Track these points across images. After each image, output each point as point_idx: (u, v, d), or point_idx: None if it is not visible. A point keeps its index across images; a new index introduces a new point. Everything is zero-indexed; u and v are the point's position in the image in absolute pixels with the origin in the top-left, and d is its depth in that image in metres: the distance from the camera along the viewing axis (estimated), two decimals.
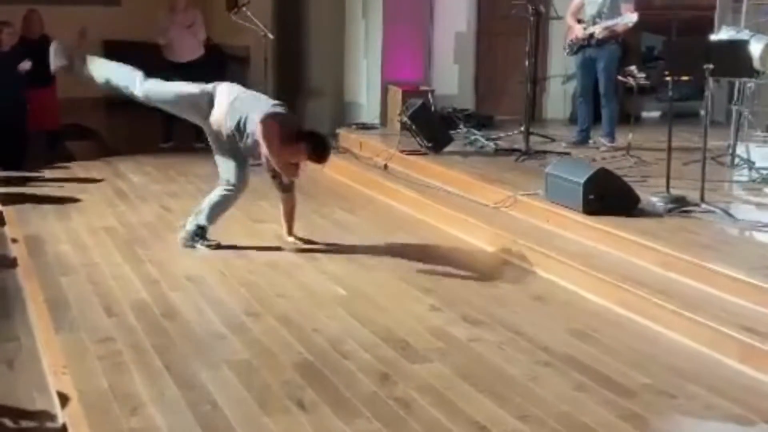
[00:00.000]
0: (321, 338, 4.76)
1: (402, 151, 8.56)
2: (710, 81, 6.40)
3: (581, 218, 6.17)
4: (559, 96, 10.40)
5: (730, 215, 6.05)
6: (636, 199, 6.30)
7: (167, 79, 6.50)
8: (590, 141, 8.78)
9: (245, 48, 11.50)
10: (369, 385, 4.17)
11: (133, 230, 6.94)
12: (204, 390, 4.09)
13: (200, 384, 4.15)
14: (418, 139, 8.58)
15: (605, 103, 8.67)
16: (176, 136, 10.19)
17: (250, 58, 11.47)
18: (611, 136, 8.65)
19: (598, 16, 8.42)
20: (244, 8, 9.19)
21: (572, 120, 9.72)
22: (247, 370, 4.33)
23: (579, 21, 8.60)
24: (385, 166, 8.47)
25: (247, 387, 4.12)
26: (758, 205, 6.52)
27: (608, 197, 6.21)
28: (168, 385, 4.15)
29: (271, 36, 9.30)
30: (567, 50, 8.78)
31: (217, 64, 11.05)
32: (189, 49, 10.02)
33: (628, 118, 8.61)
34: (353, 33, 10.44)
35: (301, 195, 8.08)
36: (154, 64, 9.73)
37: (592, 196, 6.18)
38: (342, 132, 9.89)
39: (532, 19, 8.29)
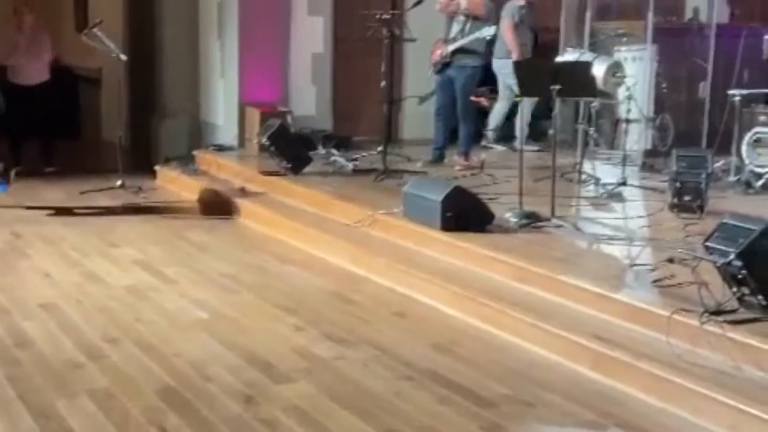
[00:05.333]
0: (183, 362, 4.69)
1: (261, 172, 8.54)
2: (558, 101, 6.66)
3: (439, 235, 6.30)
4: (415, 116, 10.59)
5: (578, 229, 6.31)
6: (491, 216, 6.49)
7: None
8: (446, 160, 8.98)
9: (97, 69, 11.23)
10: (233, 408, 4.14)
11: None
12: (61, 420, 3.96)
13: (57, 414, 4.02)
14: (276, 160, 8.58)
15: (461, 123, 8.90)
16: (24, 161, 9.84)
17: (102, 79, 11.21)
18: (466, 155, 8.88)
19: (461, 33, 8.65)
20: (95, 29, 8.96)
21: None
22: (107, 398, 4.22)
23: (445, 41, 8.82)
24: (243, 188, 8.43)
25: (107, 415, 4.02)
26: (604, 218, 6.82)
27: (464, 214, 6.37)
28: (22, 416, 3.99)
29: (123, 57, 9.11)
30: (432, 69, 8.97)
31: (67, 86, 10.76)
32: (36, 71, 9.71)
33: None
34: (209, 54, 10.36)
35: (159, 218, 7.99)
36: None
37: (449, 214, 6.32)
38: (199, 154, 9.78)
39: (387, 40, 8.45)
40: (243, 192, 8.37)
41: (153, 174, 9.72)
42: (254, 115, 9.61)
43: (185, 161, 9.69)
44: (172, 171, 9.48)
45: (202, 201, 8.30)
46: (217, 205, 8.11)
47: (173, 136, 10.20)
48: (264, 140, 8.59)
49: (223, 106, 10.19)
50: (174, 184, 9.29)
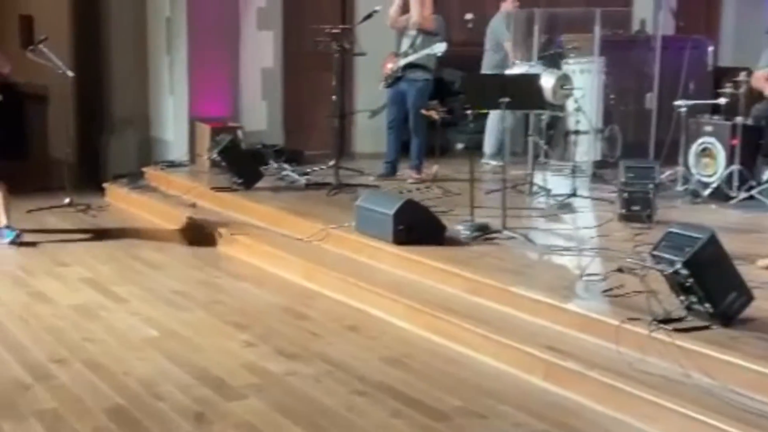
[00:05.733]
0: (133, 381, 4.63)
1: (212, 188, 8.48)
2: (507, 114, 6.71)
3: (391, 248, 6.30)
4: (367, 130, 10.61)
5: (529, 240, 6.35)
6: (443, 228, 6.51)
7: None
8: (398, 173, 9.00)
9: (43, 87, 11.07)
10: (184, 426, 4.10)
11: None
12: None
13: None
14: (228, 175, 8.53)
15: (413, 136, 8.93)
16: None
17: (48, 96, 11.05)
18: (418, 168, 8.91)
19: (411, 48, 8.69)
20: (40, 45, 8.85)
21: None
22: (55, 419, 4.15)
23: (396, 54, 8.84)
24: (194, 204, 8.36)
25: None
26: (555, 229, 6.88)
27: (416, 227, 6.38)
28: None
29: (70, 73, 8.99)
30: (383, 83, 8.99)
31: (13, 104, 10.57)
32: None
33: (435, 150, 8.88)
34: (158, 70, 10.28)
35: (110, 237, 7.88)
36: None
37: (401, 227, 6.32)
38: (149, 170, 9.68)
39: (337, 54, 8.45)
40: (194, 207, 8.30)
41: (102, 191, 9.60)
42: (204, 131, 9.54)
43: (134, 178, 9.59)
44: (121, 188, 9.38)
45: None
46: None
47: (122, 152, 10.09)
48: (215, 156, 8.54)
49: (172, 122, 10.11)
50: (123, 201, 9.18)
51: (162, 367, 4.84)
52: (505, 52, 9.51)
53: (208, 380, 4.66)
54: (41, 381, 4.61)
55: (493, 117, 9.46)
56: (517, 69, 8.53)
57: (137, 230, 8.12)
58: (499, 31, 9.65)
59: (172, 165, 9.73)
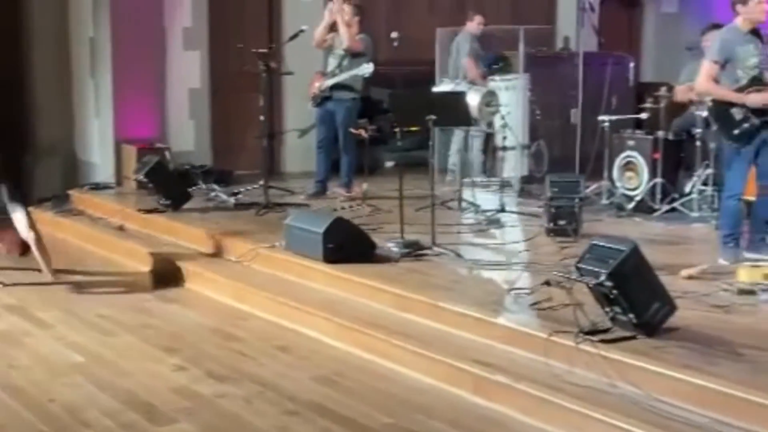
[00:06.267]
0: (58, 408, 4.53)
1: (139, 210, 8.37)
2: (436, 131, 6.78)
3: (322, 267, 6.30)
4: (297, 149, 10.60)
5: (459, 255, 6.40)
6: (373, 246, 6.53)
7: None
8: (328, 191, 9.01)
9: None
10: None
11: None
12: None
13: None
14: (155, 197, 8.43)
15: (343, 155, 8.95)
16: None
17: None
18: (348, 186, 8.93)
19: (338, 68, 8.71)
20: None
21: None
22: None
23: (323, 74, 8.85)
24: (121, 227, 8.24)
25: None
26: (484, 245, 6.95)
27: (346, 245, 6.38)
28: None
29: None
30: (311, 102, 9.00)
31: None
32: None
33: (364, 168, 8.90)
34: (82, 92, 10.14)
35: (37, 262, 7.70)
36: None
37: (331, 245, 6.32)
38: (75, 193, 9.53)
39: (264, 74, 8.44)
40: (122, 230, 8.19)
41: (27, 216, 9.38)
42: (131, 153, 9.44)
43: (60, 201, 9.42)
44: (46, 212, 9.19)
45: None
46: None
47: (47, 175, 9.91)
48: (141, 177, 8.44)
49: (98, 143, 9.97)
50: (49, 225, 8.99)
51: (88, 393, 4.75)
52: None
53: (136, 405, 4.59)
54: None
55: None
56: (443, 86, 8.62)
57: (63, 254, 7.95)
58: (463, 50, 9.67)
59: (99, 187, 9.59)
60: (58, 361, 5.28)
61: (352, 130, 8.78)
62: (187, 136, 10.15)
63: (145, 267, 7.17)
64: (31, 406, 4.56)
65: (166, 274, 7.07)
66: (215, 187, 9.04)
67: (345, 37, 8.60)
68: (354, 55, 8.66)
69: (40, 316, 6.14)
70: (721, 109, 6.18)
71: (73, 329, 5.88)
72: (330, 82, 8.70)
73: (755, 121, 6.01)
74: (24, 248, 6.74)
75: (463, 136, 9.03)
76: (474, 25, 9.72)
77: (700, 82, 6.30)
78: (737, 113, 6.05)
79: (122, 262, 7.55)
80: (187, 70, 10.12)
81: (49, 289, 6.88)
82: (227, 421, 4.42)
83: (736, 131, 6.08)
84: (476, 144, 9.29)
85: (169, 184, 8.47)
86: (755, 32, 6.13)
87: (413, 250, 6.49)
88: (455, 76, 9.51)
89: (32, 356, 5.35)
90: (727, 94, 6.10)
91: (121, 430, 4.27)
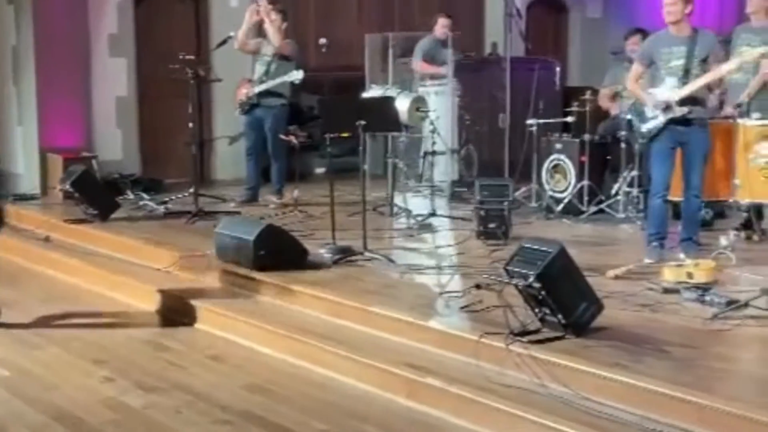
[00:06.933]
0: None
1: (66, 221, 8.21)
2: (365, 136, 6.78)
3: (253, 274, 6.25)
4: (227, 156, 10.51)
5: (391, 261, 6.41)
6: (304, 252, 6.50)
7: None
8: (259, 199, 8.95)
9: None
10: None
11: None
12: None
13: None
14: (82, 207, 8.28)
15: (273, 162, 8.91)
16: None
17: None
18: (280, 193, 8.88)
19: (266, 74, 8.67)
20: None
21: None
22: None
23: (250, 81, 8.79)
24: (47, 238, 8.08)
25: None
26: (415, 249, 6.98)
27: (278, 252, 6.35)
28: None
29: None
30: (238, 109, 8.94)
31: None
32: None
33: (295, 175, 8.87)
34: (5, 101, 9.90)
35: None
36: None
37: (262, 252, 6.28)
38: None
39: (192, 81, 8.36)
40: (47, 241, 8.02)
41: None
42: (56, 162, 9.26)
43: None
44: None
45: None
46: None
47: None
48: (67, 187, 8.27)
49: (22, 153, 9.77)
50: None
51: (14, 409, 4.63)
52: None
53: (65, 419, 4.49)
54: None
55: None
56: (373, 92, 8.64)
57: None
58: (418, 53, 9.64)
59: (23, 198, 9.38)
60: None
61: (282, 137, 8.74)
62: (114, 144, 10.00)
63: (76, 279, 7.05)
64: None
65: (90, 284, 6.96)
66: (144, 196, 8.93)
67: (274, 38, 8.56)
68: (281, 60, 8.63)
69: None
70: (640, 108, 6.49)
71: None
72: (258, 89, 8.66)
73: (661, 118, 6.19)
74: None
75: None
76: (439, 28, 9.60)
77: (629, 82, 6.62)
78: (648, 111, 6.29)
79: (51, 275, 7.42)
80: (113, 77, 9.97)
81: None
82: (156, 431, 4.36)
83: (643, 128, 6.37)
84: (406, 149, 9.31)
85: (96, 194, 8.32)
86: (692, 34, 6.22)
87: (345, 256, 6.49)
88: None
89: None
90: (638, 93, 6.46)
91: None
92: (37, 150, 9.52)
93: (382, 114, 6.88)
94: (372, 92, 8.65)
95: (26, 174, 9.69)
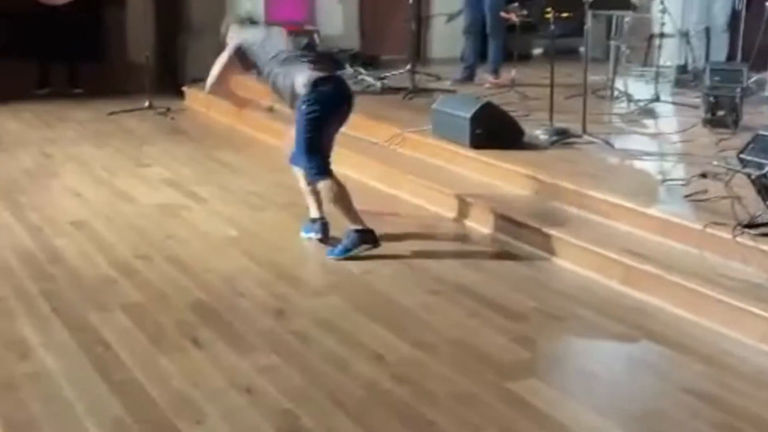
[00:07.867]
0: (214, 278, 4.72)
1: None
2: (590, 16, 6.51)
3: (469, 152, 6.25)
4: (444, 34, 10.44)
5: (610, 144, 6.22)
6: (521, 133, 6.42)
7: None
8: (476, 78, 8.87)
9: None
10: (264, 321, 4.18)
11: (12, 177, 6.71)
12: (95, 332, 4.01)
13: (91, 327, 4.07)
14: None
15: (491, 40, 8.77)
16: (52, 81, 9.87)
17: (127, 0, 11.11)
18: (496, 72, 8.76)
19: None
20: None
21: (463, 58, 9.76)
22: (140, 311, 4.27)
23: None
24: (271, 108, 8.35)
25: (141, 328, 4.07)
26: (636, 134, 6.73)
27: (494, 131, 6.30)
28: (57, 329, 4.05)
29: None
30: None
31: (91, 7, 10.65)
32: None
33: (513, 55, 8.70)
34: None
35: (191, 140, 8.00)
36: (26, 7, 9.39)
37: (478, 131, 6.25)
38: None
39: None
40: (271, 111, 8.30)
41: (181, 95, 9.69)
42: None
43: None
44: (199, 92, 9.41)
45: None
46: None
47: (200, 56, 10.06)
48: None
49: None
50: (202, 105, 9.25)
51: (241, 265, 4.92)
52: None
53: (286, 278, 4.73)
54: (126, 276, 4.74)
55: None
56: None
57: (215, 133, 8.19)
58: None
59: None
60: (213, 234, 5.48)
61: (502, 14, 8.55)
62: (335, 19, 10.14)
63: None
64: (189, 275, 4.76)
65: None
66: (362, 70, 9.04)
67: None
68: None
69: (195, 191, 6.36)
70: None
71: (227, 204, 6.08)
72: None
73: None
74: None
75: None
76: None
77: None
78: None
79: (267, 141, 7.71)
80: None
81: (202, 164, 7.12)
82: (373, 296, 4.50)
83: None
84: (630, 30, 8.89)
85: None
86: None
87: (562, 138, 6.35)
88: None
89: (189, 229, 5.57)
90: None
91: (272, 300, 4.42)
92: (263, 22, 9.77)
93: None
94: None
95: None
